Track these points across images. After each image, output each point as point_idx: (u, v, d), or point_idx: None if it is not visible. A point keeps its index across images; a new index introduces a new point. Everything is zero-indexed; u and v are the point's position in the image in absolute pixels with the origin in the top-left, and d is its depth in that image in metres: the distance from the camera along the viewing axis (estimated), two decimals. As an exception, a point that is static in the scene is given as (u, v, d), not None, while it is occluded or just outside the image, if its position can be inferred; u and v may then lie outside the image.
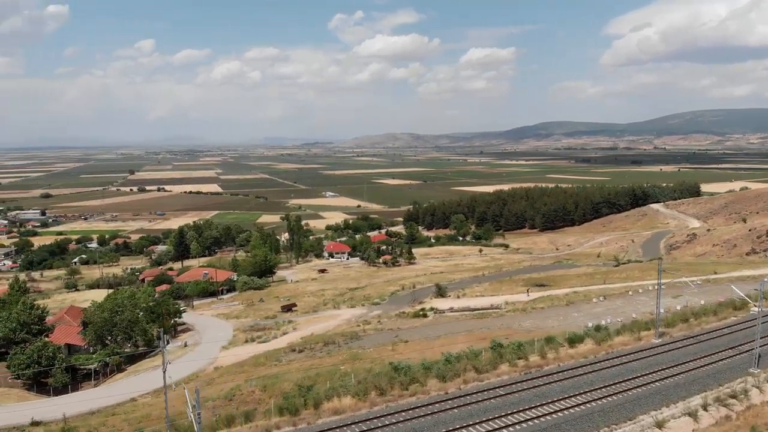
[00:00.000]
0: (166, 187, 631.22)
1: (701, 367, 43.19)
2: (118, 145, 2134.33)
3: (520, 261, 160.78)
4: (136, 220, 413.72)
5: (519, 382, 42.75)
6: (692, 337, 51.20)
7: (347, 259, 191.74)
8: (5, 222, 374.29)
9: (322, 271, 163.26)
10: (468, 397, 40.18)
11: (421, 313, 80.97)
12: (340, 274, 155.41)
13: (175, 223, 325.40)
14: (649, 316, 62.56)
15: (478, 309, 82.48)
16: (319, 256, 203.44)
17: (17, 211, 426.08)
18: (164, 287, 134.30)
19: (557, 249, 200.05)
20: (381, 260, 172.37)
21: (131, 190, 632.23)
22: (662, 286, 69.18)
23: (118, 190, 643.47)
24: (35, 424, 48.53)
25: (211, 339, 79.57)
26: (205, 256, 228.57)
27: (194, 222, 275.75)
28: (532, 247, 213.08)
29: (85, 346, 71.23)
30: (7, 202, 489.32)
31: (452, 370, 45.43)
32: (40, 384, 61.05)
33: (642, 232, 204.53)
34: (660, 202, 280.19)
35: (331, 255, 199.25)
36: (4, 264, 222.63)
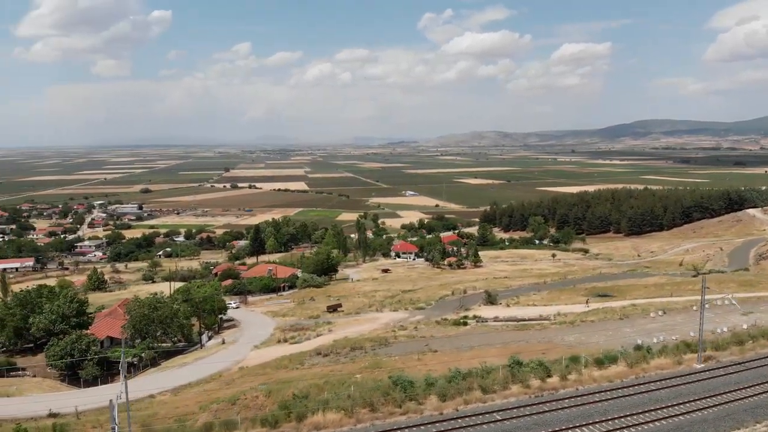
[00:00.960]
0: (257, 185, 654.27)
1: (740, 399, 37.43)
2: (217, 143, 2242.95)
3: (594, 268, 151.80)
4: (225, 215, 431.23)
5: (524, 406, 38.92)
6: (741, 363, 44.82)
7: (414, 259, 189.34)
8: (104, 215, 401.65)
9: (386, 271, 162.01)
10: (461, 420, 36.99)
11: (461, 321, 77.36)
12: (401, 274, 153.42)
13: (260, 219, 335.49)
14: (709, 335, 56.04)
15: (525, 320, 77.67)
16: (386, 255, 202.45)
17: (117, 205, 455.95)
18: (229, 282, 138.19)
19: (639, 255, 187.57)
20: (446, 262, 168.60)
21: (224, 186, 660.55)
22: (733, 302, 62.12)
23: (212, 186, 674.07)
24: (52, 415, 49.90)
25: (250, 337, 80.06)
26: (280, 252, 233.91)
27: (273, 219, 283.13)
28: (612, 252, 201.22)
29: (126, 340, 73.76)
30: (110, 197, 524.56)
31: (456, 388, 42.15)
32: (74, 375, 63.55)
33: (733, 239, 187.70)
34: (758, 207, 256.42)
35: (397, 255, 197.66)
36: (95, 255, 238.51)
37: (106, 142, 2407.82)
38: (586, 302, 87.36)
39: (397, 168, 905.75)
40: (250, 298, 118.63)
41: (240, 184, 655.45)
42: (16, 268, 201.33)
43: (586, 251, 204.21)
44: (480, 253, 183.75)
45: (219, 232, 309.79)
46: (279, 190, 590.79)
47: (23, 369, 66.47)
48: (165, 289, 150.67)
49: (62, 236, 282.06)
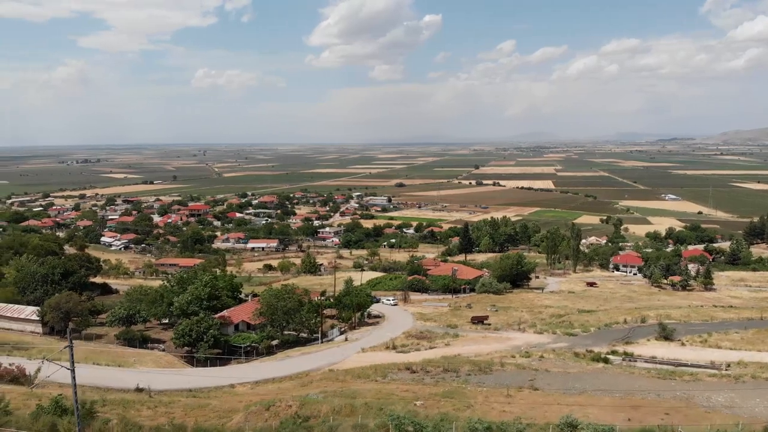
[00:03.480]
0: (502, 182, 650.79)
1: None
2: (475, 141, 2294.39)
3: None
4: (460, 211, 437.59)
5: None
6: None
7: (634, 274, 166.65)
8: (356, 205, 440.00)
9: (591, 284, 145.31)
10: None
11: (603, 356, 64.48)
12: (604, 291, 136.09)
13: (498, 216, 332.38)
14: None
15: (686, 365, 61.63)
16: (604, 266, 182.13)
17: (370, 197, 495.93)
18: (412, 278, 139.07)
19: None
20: (668, 281, 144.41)
21: (470, 183, 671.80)
22: None
23: (459, 182, 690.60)
24: (139, 390, 54.72)
25: (374, 338, 78.73)
26: (494, 252, 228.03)
27: (492, 217, 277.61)
28: None
29: (257, 326, 78.42)
30: (368, 189, 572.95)
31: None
32: (192, 355, 69.35)
33: None
34: None
35: (616, 267, 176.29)
36: (332, 241, 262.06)
37: (379, 140, 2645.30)
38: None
39: (662, 168, 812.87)
40: (412, 297, 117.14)
41: (485, 181, 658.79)
42: (263, 248, 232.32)
43: None
44: (723, 273, 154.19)
45: (445, 227, 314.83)
46: (521, 188, 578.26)
47: (156, 343, 75.44)
48: (367, 276, 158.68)
49: (312, 222, 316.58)
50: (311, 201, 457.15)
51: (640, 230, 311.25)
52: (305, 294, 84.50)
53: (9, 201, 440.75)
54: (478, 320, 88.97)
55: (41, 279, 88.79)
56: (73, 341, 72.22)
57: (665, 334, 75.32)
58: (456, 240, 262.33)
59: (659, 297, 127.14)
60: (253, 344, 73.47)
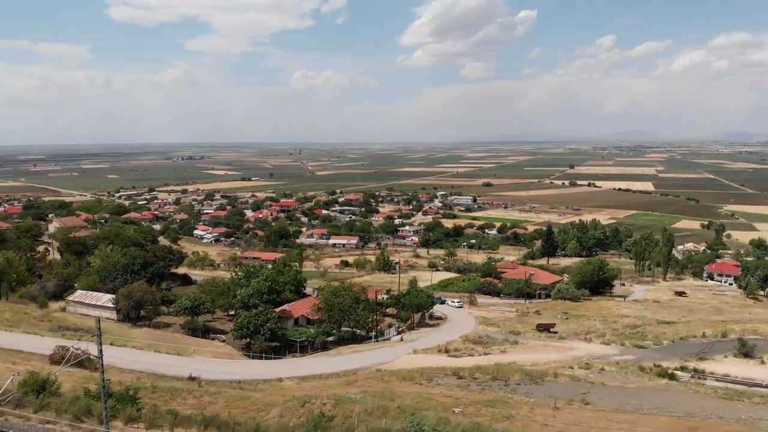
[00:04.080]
0: (597, 183, 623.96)
1: None
2: (570, 140, 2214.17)
3: None
4: (549, 212, 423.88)
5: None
6: None
7: (728, 284, 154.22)
8: (440, 205, 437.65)
9: (680, 294, 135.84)
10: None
11: (669, 372, 60.05)
12: (692, 301, 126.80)
13: (588, 219, 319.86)
14: None
15: (761, 385, 56.11)
16: (697, 275, 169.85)
17: (455, 197, 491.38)
18: (484, 280, 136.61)
19: None
20: (765, 293, 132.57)
21: (563, 183, 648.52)
22: None
23: (551, 183, 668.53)
24: (191, 379, 57.10)
25: (431, 339, 77.71)
26: (581, 256, 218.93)
27: (580, 220, 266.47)
28: None
29: (316, 321, 79.59)
30: (454, 188, 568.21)
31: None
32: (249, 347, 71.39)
33: None
34: None
35: (710, 276, 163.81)
36: (411, 240, 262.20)
37: (468, 138, 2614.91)
38: None
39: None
40: (480, 300, 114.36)
41: (579, 182, 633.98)
42: (343, 244, 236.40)
43: None
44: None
45: (531, 228, 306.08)
46: (618, 189, 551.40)
47: (218, 333, 78.41)
48: (440, 277, 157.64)
49: (393, 220, 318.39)
50: (395, 199, 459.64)
51: (743, 237, 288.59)
52: (362, 292, 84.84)
53: (118, 194, 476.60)
54: (544, 328, 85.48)
55: (122, 269, 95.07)
56: (142, 328, 76.79)
57: (745, 350, 68.89)
58: (540, 243, 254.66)
59: (752, 310, 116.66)
60: (308, 339, 74.74)
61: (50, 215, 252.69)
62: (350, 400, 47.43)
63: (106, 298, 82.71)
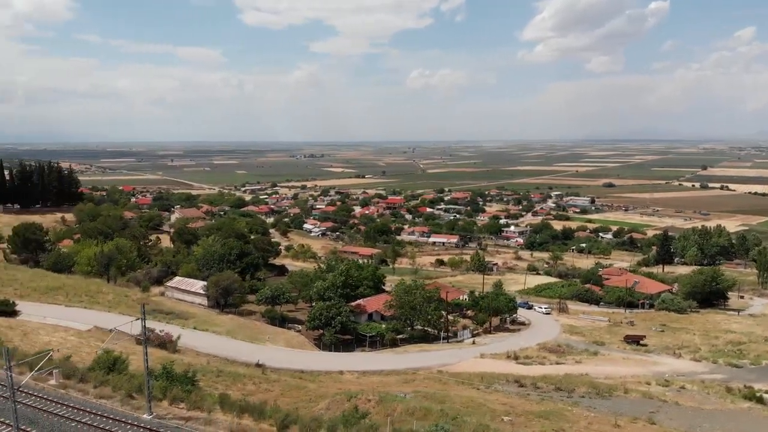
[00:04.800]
0: (732, 186, 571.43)
1: None
2: (706, 139, 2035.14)
3: None
4: (673, 217, 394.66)
5: None
6: None
7: None
8: (553, 205, 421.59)
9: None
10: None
11: (756, 394, 54.04)
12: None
13: (713, 225, 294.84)
14: None
15: None
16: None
17: (571, 197, 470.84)
18: (582, 287, 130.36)
19: None
20: None
21: (692, 186, 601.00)
22: None
23: (679, 185, 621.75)
24: (258, 366, 59.89)
25: (505, 345, 75.36)
26: (702, 264, 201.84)
27: (703, 226, 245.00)
28: None
29: (389, 317, 79.86)
30: (571, 188, 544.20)
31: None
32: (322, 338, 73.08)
33: None
34: None
35: None
36: (516, 241, 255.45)
37: (592, 136, 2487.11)
38: None
39: None
40: (572, 307, 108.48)
41: (711, 184, 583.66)
42: (443, 243, 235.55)
43: None
44: None
45: (650, 233, 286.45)
46: (755, 193, 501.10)
47: (295, 323, 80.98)
48: (538, 280, 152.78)
49: (498, 220, 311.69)
50: (505, 199, 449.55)
51: None
52: (435, 291, 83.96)
53: (243, 189, 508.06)
54: (632, 339, 79.75)
55: (218, 258, 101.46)
56: (228, 315, 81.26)
57: None
58: (656, 249, 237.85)
59: None
60: (378, 334, 75.46)
61: (175, 206, 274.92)
62: (395, 399, 47.39)
63: (198, 285, 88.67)
